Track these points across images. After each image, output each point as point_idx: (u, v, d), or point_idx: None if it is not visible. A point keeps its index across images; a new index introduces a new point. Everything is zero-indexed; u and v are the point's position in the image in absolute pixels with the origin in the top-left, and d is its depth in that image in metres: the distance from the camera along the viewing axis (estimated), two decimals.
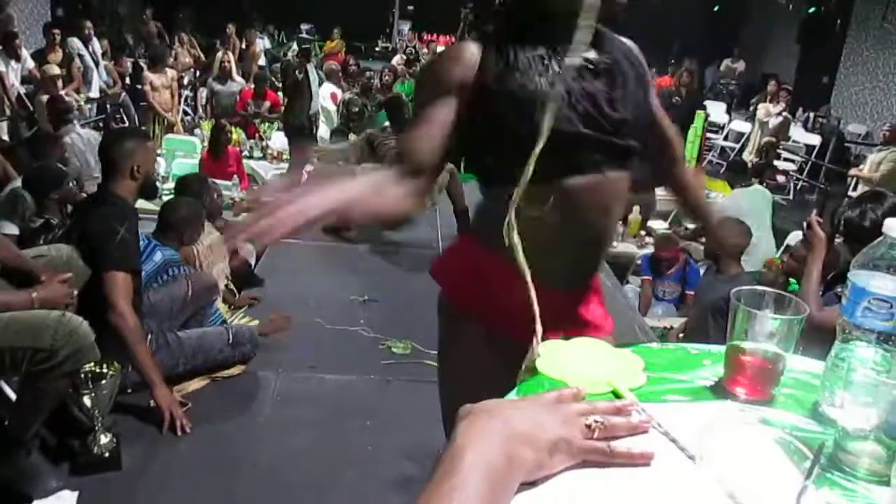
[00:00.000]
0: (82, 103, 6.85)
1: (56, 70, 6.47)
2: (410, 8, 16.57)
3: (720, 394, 0.89)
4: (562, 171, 1.30)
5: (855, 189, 7.42)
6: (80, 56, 8.09)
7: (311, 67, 6.62)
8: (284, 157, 7.01)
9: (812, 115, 11.51)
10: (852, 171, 7.95)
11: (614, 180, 1.37)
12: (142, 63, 8.96)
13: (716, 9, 15.42)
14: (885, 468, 0.73)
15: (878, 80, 11.24)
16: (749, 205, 5.14)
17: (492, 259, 1.34)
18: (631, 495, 0.68)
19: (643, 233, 5.89)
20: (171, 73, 7.74)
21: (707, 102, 10.99)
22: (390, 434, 2.85)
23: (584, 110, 1.30)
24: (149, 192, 2.95)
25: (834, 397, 0.84)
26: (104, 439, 2.46)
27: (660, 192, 5.57)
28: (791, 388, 0.91)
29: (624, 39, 1.46)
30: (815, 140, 10.35)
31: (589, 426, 0.72)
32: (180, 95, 8.40)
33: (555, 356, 0.94)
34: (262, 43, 12.04)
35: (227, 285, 3.75)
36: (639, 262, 5.25)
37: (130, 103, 8.44)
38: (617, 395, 0.85)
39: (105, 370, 2.40)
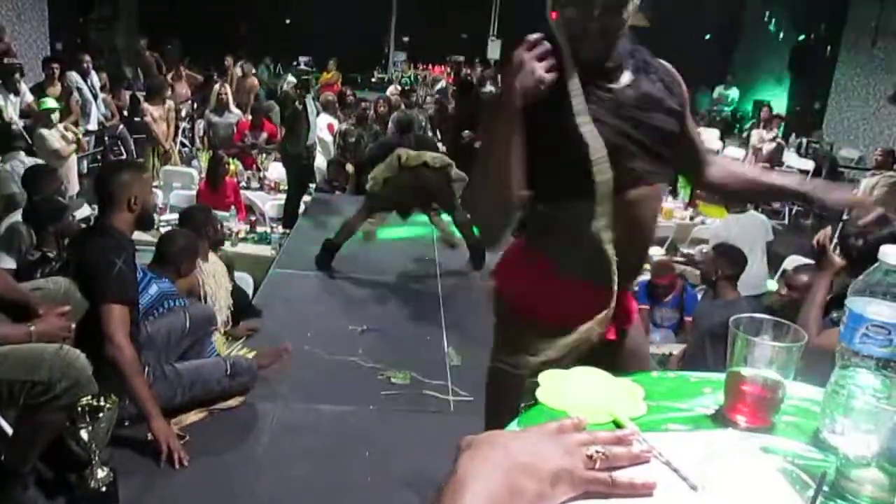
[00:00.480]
0: (80, 136, 6.87)
1: (52, 103, 6.50)
2: (406, 39, 16.74)
3: (721, 422, 0.89)
4: (619, 186, 1.47)
5: (849, 214, 7.45)
6: (79, 89, 8.14)
7: (309, 98, 6.67)
8: (282, 187, 7.03)
9: (805, 140, 11.60)
10: None
11: (657, 189, 1.59)
12: (139, 95, 9.03)
13: (707, 37, 15.60)
14: (889, 495, 0.73)
15: (869, 105, 11.37)
16: (741, 230, 5.15)
17: (547, 264, 1.58)
18: None
19: None
20: (168, 104, 7.80)
21: (700, 129, 11.07)
22: (389, 464, 2.83)
23: (631, 128, 1.49)
24: (145, 223, 2.95)
25: (835, 424, 0.85)
26: (101, 473, 2.44)
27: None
28: (791, 415, 0.91)
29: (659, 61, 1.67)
30: (808, 165, 10.42)
31: (590, 456, 0.72)
32: (177, 127, 8.45)
33: (555, 386, 0.95)
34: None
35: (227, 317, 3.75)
36: (635, 289, 5.25)
37: (128, 135, 8.49)
38: (618, 425, 0.85)
39: (102, 403, 2.38)
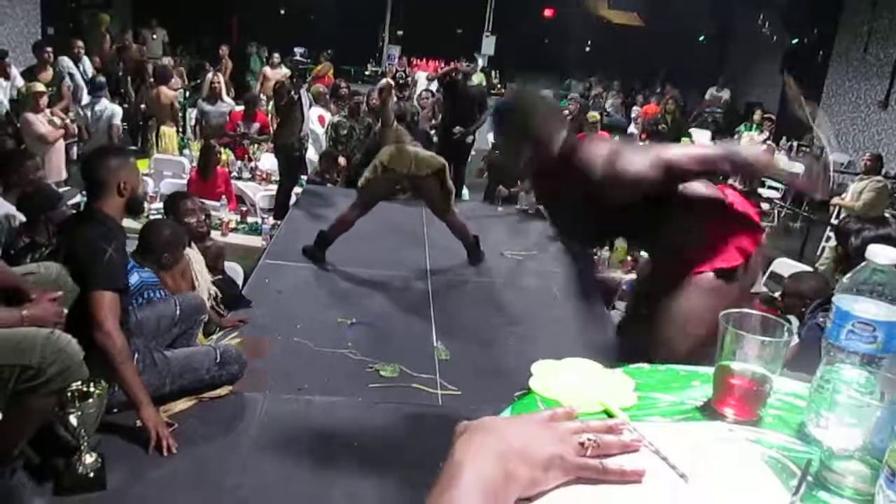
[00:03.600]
0: (68, 122, 6.83)
1: (40, 87, 6.47)
2: (400, 33, 16.74)
3: (709, 414, 0.91)
4: None
5: (838, 217, 7.52)
6: (71, 75, 8.10)
7: (303, 90, 6.66)
8: (273, 178, 7.03)
9: (796, 143, 11.68)
10: (835, 200, 8.06)
11: None
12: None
13: (701, 38, 15.68)
14: (870, 487, 0.75)
15: (859, 110, 11.45)
16: None
17: None
18: None
19: (629, 258, 5.94)
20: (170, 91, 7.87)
21: (692, 130, 11.14)
22: (376, 456, 2.85)
23: None
24: (135, 208, 2.94)
25: (820, 418, 0.86)
26: (89, 459, 2.44)
27: None
28: (778, 409, 0.93)
29: None
30: (798, 168, 10.48)
31: (582, 444, 0.74)
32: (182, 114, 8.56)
33: (548, 376, 0.96)
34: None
35: (213, 307, 3.75)
36: (625, 287, 5.28)
37: (120, 122, 8.45)
38: (609, 415, 0.87)
39: (92, 389, 2.38)
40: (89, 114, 7.17)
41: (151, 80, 8.47)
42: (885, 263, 0.86)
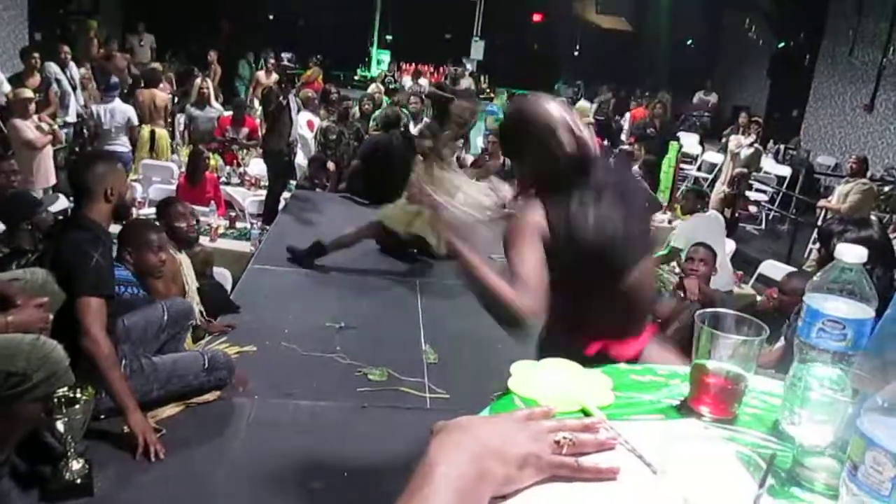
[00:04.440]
0: (56, 128, 6.81)
1: (28, 93, 6.44)
2: (389, 38, 16.76)
3: (685, 412, 0.93)
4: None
5: (824, 220, 7.58)
6: (58, 81, 8.06)
7: (291, 95, 6.67)
8: (262, 183, 7.02)
9: (783, 146, 11.76)
10: (821, 203, 8.12)
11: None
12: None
13: (689, 42, 15.77)
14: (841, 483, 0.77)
15: (845, 113, 11.55)
16: (706, 229, 5.24)
17: None
18: None
19: None
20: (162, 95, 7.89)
21: (680, 133, 11.20)
22: (365, 461, 2.85)
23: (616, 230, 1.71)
24: (122, 213, 2.94)
25: (793, 415, 0.88)
26: (76, 465, 2.43)
27: None
28: (753, 406, 0.95)
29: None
30: (785, 171, 10.57)
31: (558, 442, 0.75)
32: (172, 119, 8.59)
33: (527, 376, 0.97)
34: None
35: (200, 311, 3.75)
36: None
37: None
38: (586, 414, 0.88)
39: (79, 395, 2.38)
40: (102, 113, 7.19)
41: (142, 84, 8.45)
42: (854, 262, 0.88)
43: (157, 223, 3.69)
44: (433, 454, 0.67)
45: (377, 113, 8.35)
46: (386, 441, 3.00)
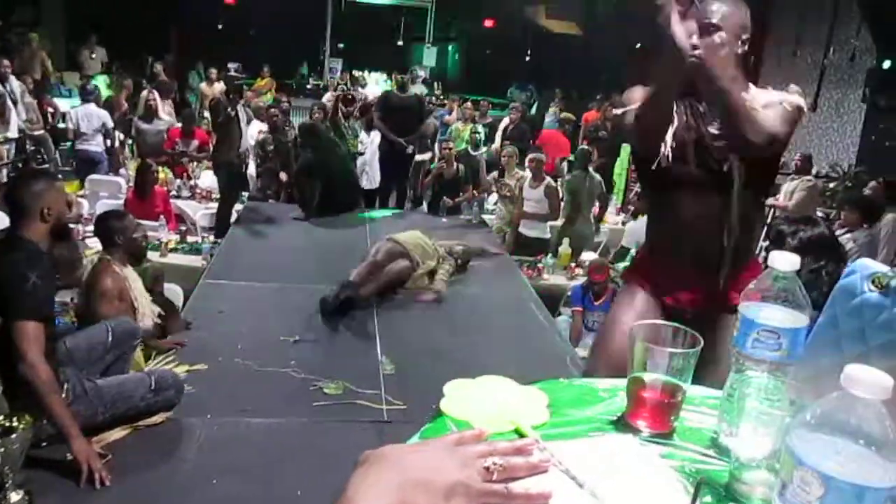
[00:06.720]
0: None
1: None
2: (341, 45, 16.65)
3: (622, 428, 0.91)
4: None
5: (773, 218, 7.71)
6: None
7: (240, 106, 6.57)
8: (213, 196, 6.90)
9: None
10: (769, 201, 8.26)
11: None
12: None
13: (638, 45, 15.96)
14: None
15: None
16: None
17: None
18: None
19: (573, 265, 6.00)
20: None
21: None
22: (322, 477, 2.78)
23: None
24: (61, 234, 2.84)
25: (730, 427, 0.87)
26: (15, 497, 2.33)
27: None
28: (691, 419, 0.93)
29: None
30: None
31: (488, 468, 0.72)
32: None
33: (460, 396, 0.95)
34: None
35: (158, 325, 3.66)
36: (569, 293, 5.33)
37: (52, 144, 8.22)
38: (520, 434, 0.85)
39: (15, 423, 2.28)
40: (78, 117, 7.75)
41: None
42: (787, 270, 0.87)
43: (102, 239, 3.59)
44: (351, 491, 0.64)
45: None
46: (342, 456, 2.91)
